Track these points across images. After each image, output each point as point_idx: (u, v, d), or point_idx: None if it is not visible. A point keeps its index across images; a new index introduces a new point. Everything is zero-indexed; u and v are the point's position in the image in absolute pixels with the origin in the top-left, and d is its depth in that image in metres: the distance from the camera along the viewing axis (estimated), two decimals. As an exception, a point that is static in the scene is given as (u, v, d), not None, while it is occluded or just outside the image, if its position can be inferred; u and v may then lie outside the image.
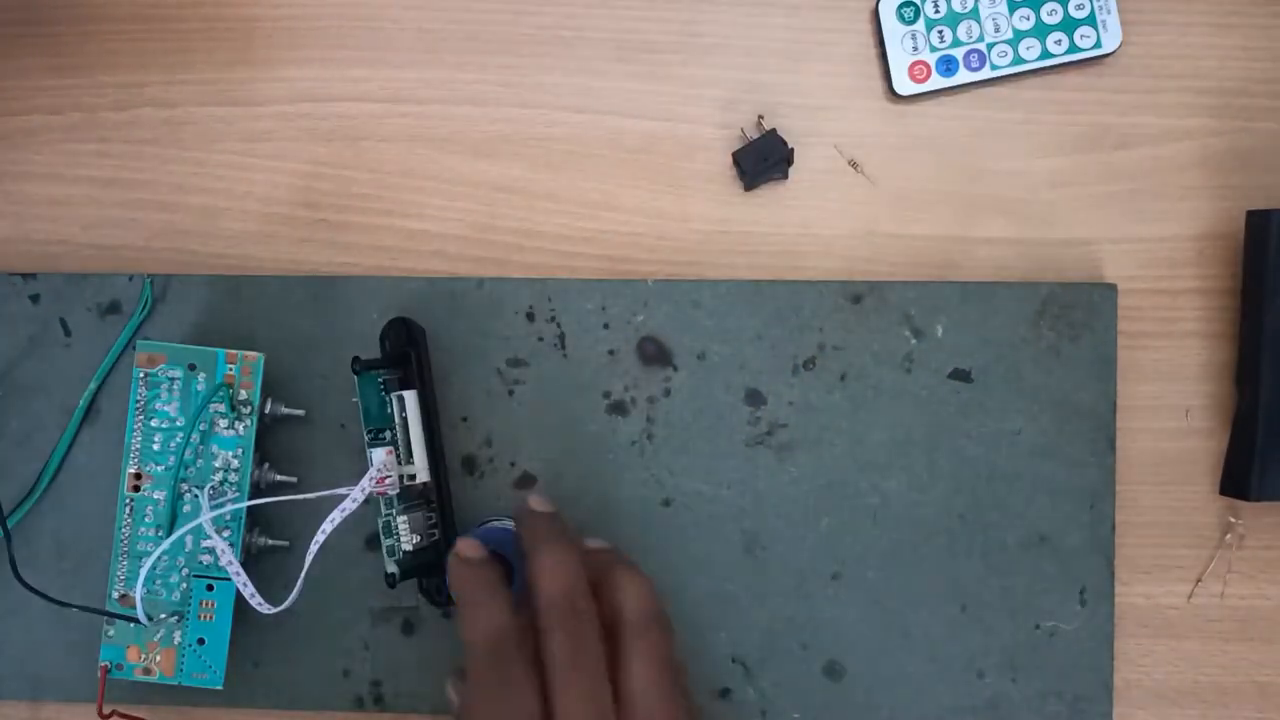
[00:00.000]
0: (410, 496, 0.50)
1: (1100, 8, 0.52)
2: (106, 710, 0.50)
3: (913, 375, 0.52)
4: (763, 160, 0.53)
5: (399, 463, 0.49)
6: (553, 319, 0.53)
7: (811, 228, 0.54)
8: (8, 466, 0.53)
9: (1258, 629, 0.53)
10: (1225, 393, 0.53)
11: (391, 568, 0.49)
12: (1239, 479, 0.52)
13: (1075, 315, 0.52)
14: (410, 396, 0.49)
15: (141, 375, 0.51)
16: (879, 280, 0.53)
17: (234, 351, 0.51)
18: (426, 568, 0.50)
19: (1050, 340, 0.52)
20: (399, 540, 0.49)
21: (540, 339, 0.53)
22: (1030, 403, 0.52)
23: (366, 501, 0.48)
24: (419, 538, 0.50)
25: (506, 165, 0.54)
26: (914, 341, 0.52)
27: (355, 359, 0.49)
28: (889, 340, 0.52)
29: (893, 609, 0.52)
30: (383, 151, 0.54)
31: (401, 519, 0.49)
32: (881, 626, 0.52)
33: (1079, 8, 0.53)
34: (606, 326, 0.53)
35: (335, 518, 0.47)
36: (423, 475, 0.50)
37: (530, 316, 0.53)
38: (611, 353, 0.53)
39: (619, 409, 0.53)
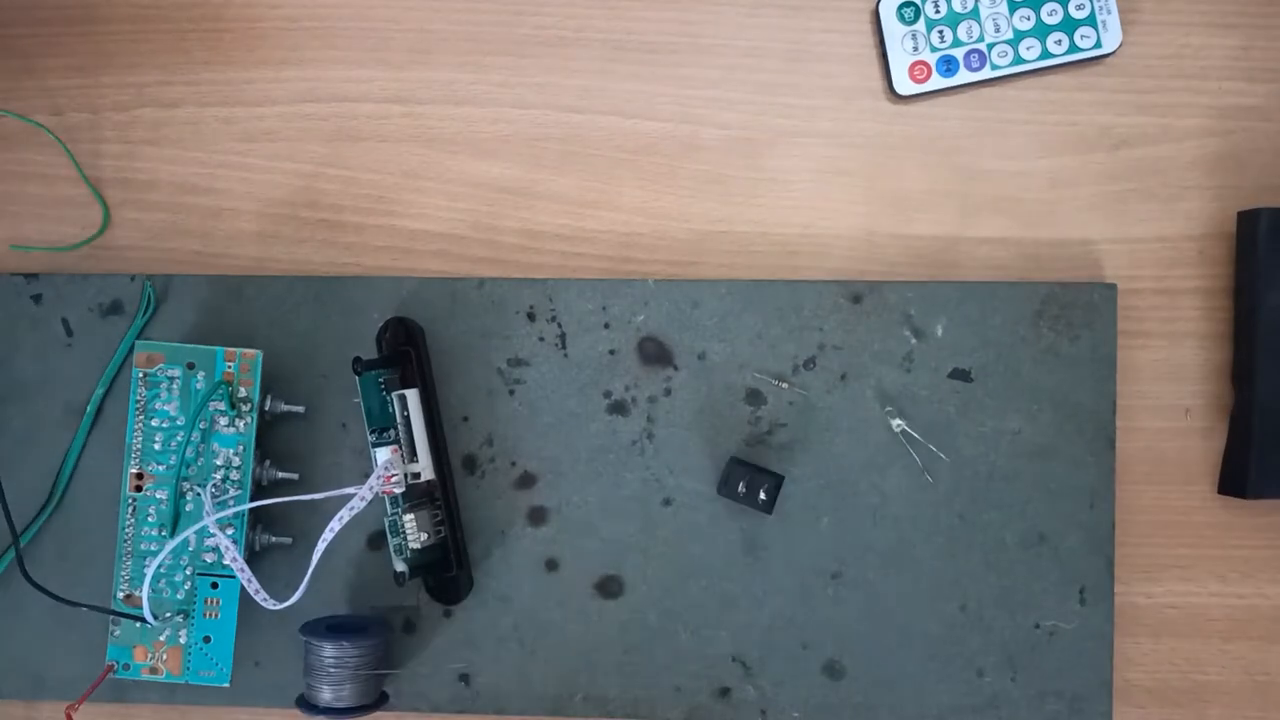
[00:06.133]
0: (415, 495, 0.50)
1: (1100, 8, 0.52)
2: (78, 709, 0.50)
3: (913, 375, 0.52)
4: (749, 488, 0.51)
5: (403, 461, 0.49)
6: (553, 319, 0.53)
7: (811, 228, 0.54)
8: (11, 465, 0.53)
9: (1257, 629, 0.53)
10: (1224, 392, 0.53)
11: (400, 566, 0.49)
12: (1236, 477, 0.52)
13: (1075, 315, 0.52)
14: (412, 395, 0.49)
15: (141, 375, 0.51)
16: (879, 280, 0.53)
17: (232, 349, 0.51)
18: (434, 565, 0.51)
19: (1050, 340, 0.52)
20: (406, 539, 0.49)
21: (540, 339, 0.53)
22: (1030, 402, 0.52)
23: (371, 500, 0.48)
24: (426, 535, 0.50)
25: (506, 165, 0.54)
26: (914, 341, 0.52)
27: (356, 359, 0.49)
28: (889, 340, 0.52)
29: (893, 608, 0.52)
30: (383, 151, 0.55)
31: (408, 517, 0.49)
32: (881, 626, 0.52)
33: (1079, 8, 0.53)
34: (606, 326, 0.53)
35: (344, 516, 0.47)
36: (427, 473, 0.50)
37: (530, 316, 0.53)
38: (611, 353, 0.53)
39: (619, 409, 0.53)
